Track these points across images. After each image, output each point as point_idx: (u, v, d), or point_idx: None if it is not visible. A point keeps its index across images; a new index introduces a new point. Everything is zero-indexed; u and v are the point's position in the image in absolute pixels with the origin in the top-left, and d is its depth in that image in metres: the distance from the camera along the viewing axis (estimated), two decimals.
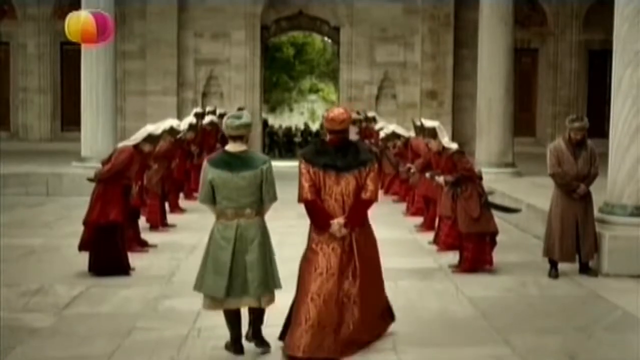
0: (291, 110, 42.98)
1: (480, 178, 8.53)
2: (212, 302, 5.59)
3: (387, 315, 6.20)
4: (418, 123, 10.08)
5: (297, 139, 31.41)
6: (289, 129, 32.31)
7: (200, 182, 5.67)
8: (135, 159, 8.27)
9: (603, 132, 21.66)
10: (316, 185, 5.72)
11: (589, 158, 8.18)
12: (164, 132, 9.10)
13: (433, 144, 8.89)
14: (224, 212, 5.54)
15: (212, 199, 5.57)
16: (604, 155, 8.62)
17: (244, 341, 5.75)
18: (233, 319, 5.67)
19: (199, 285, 5.63)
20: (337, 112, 5.90)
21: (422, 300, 7.27)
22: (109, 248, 8.04)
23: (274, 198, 5.65)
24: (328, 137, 5.89)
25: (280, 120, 38.95)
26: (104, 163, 8.37)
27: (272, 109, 41.15)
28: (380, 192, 15.29)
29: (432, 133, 8.78)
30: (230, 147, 5.63)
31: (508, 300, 7.27)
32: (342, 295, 5.71)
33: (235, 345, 5.71)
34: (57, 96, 22.02)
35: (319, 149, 5.88)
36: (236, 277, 5.48)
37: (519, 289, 7.74)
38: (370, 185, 5.77)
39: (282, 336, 5.83)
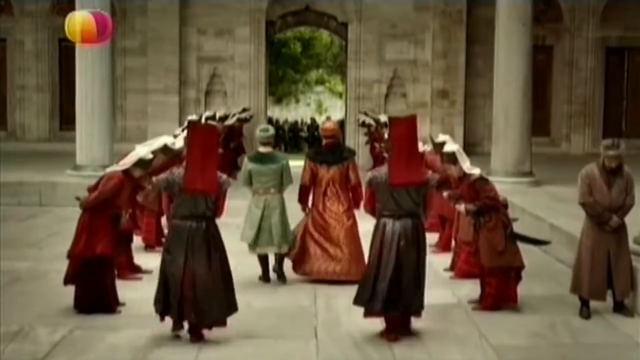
0: (297, 101, 42.15)
1: (506, 206, 7.67)
2: (249, 247, 8.54)
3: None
4: (436, 140, 9.25)
5: (303, 134, 30.59)
6: (294, 124, 31.45)
7: (242, 171, 8.84)
8: (125, 186, 7.50)
9: (620, 131, 20.91)
10: (314, 175, 8.56)
11: (625, 187, 7.34)
12: (157, 152, 8.34)
13: (453, 170, 8.04)
14: (257, 190, 8.48)
15: (249, 183, 8.51)
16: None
17: (271, 274, 8.67)
18: (263, 261, 8.65)
19: (242, 237, 8.57)
20: (328, 125, 9.03)
21: (443, 351, 6.49)
22: (96, 284, 7.32)
23: (290, 182, 8.52)
24: (324, 142, 8.71)
25: (287, 112, 38.17)
26: (90, 190, 7.62)
27: (278, 101, 40.35)
28: None
29: (452, 159, 7.93)
30: (261, 149, 8.54)
31: (538, 352, 6.48)
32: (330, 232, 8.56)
33: (264, 277, 8.65)
34: (55, 94, 21.29)
35: (318, 151, 9.04)
36: (263, 232, 8.40)
37: (549, 334, 6.96)
38: (352, 175, 8.59)
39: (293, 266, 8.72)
